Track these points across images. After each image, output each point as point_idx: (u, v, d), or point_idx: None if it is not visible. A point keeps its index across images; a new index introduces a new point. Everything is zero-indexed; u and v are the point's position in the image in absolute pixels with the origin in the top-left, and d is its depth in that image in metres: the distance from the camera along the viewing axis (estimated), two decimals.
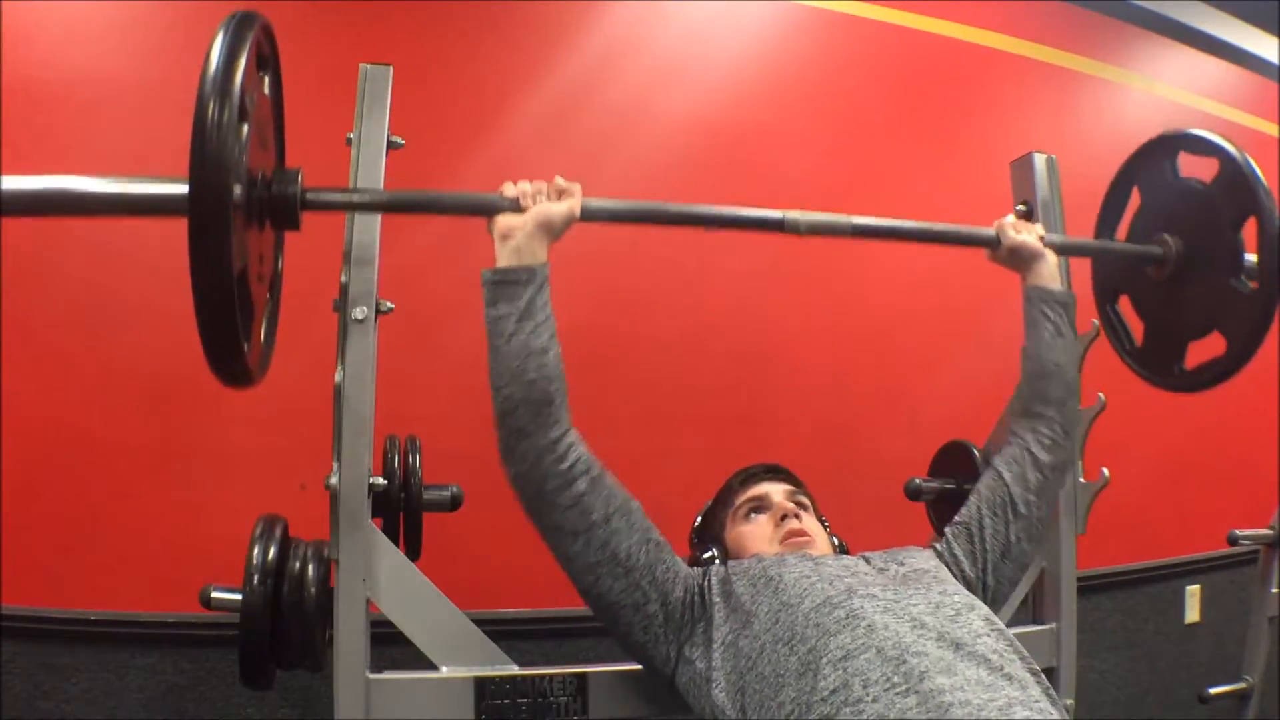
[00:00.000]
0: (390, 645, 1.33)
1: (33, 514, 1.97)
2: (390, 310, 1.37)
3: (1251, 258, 1.42)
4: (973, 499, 1.36)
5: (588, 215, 1.24)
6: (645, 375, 2.43)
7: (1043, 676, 1.02)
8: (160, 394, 2.00)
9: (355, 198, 1.29)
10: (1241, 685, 2.31)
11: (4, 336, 1.99)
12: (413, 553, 1.43)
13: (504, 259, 1.17)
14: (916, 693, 0.92)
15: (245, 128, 0.96)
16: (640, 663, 1.22)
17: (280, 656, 1.33)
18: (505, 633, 1.43)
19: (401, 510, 1.43)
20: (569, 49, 2.49)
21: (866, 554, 1.28)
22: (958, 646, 0.99)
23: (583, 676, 1.33)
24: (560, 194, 1.21)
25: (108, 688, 2.00)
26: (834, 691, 0.95)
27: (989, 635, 1.03)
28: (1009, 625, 1.56)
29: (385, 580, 1.32)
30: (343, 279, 1.35)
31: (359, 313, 1.33)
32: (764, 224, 1.34)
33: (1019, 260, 1.44)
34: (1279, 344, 1.43)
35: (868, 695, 0.93)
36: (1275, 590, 2.31)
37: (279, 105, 1.27)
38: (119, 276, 2.09)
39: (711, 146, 2.58)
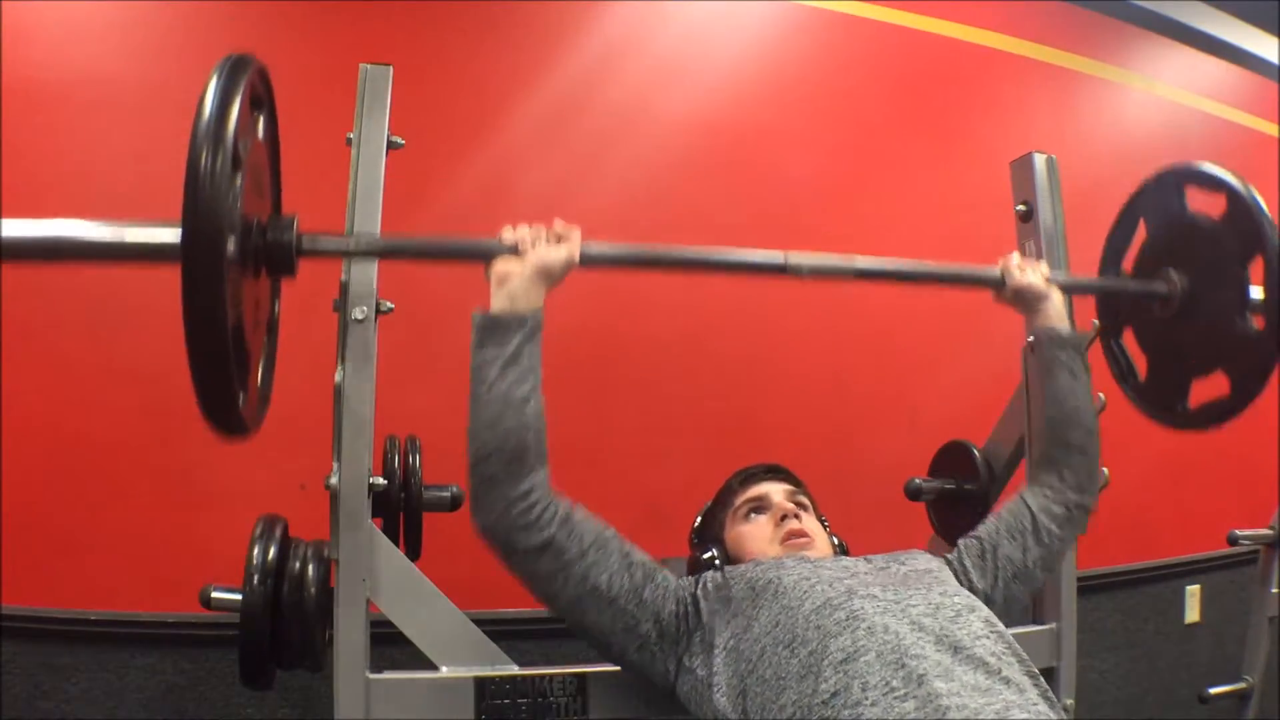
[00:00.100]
0: (390, 645, 1.33)
1: (33, 514, 1.97)
2: (390, 310, 1.37)
3: (1258, 295, 1.39)
4: (992, 520, 1.36)
5: (587, 261, 1.22)
6: (645, 375, 2.43)
7: (1041, 679, 1.02)
8: (160, 394, 1.99)
9: (351, 244, 1.27)
10: (1241, 685, 2.31)
11: (4, 337, 1.99)
12: (413, 553, 1.43)
13: (498, 303, 1.15)
14: (915, 697, 0.92)
15: (239, 176, 0.95)
16: (640, 679, 1.22)
17: (280, 656, 1.33)
18: (505, 633, 1.43)
19: (401, 510, 1.43)
20: (569, 49, 2.49)
21: (867, 556, 1.27)
22: (956, 650, 0.99)
23: (583, 676, 1.33)
24: (559, 239, 1.20)
25: (108, 688, 2.00)
26: (835, 694, 0.95)
27: (988, 638, 1.03)
28: (1010, 625, 1.57)
29: (385, 580, 1.32)
30: (343, 279, 1.35)
31: (359, 313, 1.33)
32: (765, 268, 1.32)
33: (1024, 301, 1.42)
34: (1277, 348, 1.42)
35: (867, 699, 0.93)
36: (1275, 590, 2.30)
37: (275, 147, 1.26)
38: (119, 276, 2.09)
39: (711, 146, 2.58)
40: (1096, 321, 1.68)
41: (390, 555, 1.34)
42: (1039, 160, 1.74)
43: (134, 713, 2.01)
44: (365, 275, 1.35)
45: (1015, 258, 1.43)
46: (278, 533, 1.35)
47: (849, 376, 2.63)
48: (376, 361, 1.34)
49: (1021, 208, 1.75)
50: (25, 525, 1.95)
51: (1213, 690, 2.29)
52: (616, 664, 1.23)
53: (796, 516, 1.34)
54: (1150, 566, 2.96)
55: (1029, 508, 1.34)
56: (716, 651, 1.12)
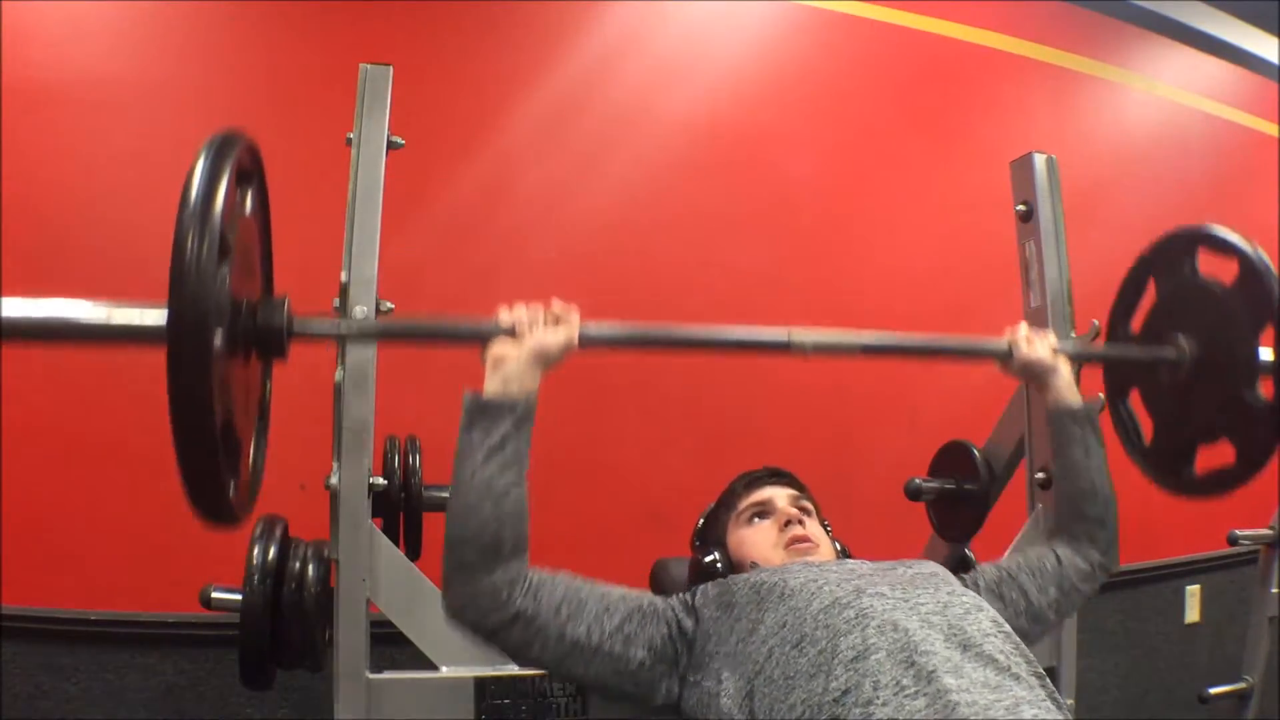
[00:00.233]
0: (390, 645, 1.33)
1: (33, 514, 1.97)
2: (390, 310, 1.37)
3: (1268, 358, 1.38)
4: (1016, 555, 1.36)
5: (586, 343, 1.18)
6: (645, 374, 2.42)
7: (1048, 680, 1.02)
8: (160, 394, 1.99)
9: (344, 328, 1.25)
10: (1241, 685, 2.31)
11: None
12: (413, 553, 1.43)
13: (491, 386, 1.12)
14: (925, 694, 0.92)
15: (226, 262, 0.93)
16: (642, 705, 1.21)
17: (280, 656, 1.33)
18: None
19: (401, 510, 1.43)
20: (569, 49, 2.49)
21: (870, 561, 1.27)
22: (965, 647, 0.99)
23: None
24: (557, 321, 1.16)
25: (108, 688, 2.00)
26: (845, 692, 0.95)
27: (996, 636, 1.03)
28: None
29: (385, 580, 1.32)
30: (343, 279, 1.35)
31: (359, 313, 1.33)
32: (769, 345, 1.29)
33: (1032, 375, 1.40)
34: (1277, 349, 1.42)
35: (878, 698, 0.93)
36: (1275, 590, 2.30)
37: (265, 221, 1.23)
38: (119, 276, 2.09)
39: (711, 146, 2.58)
40: (1096, 323, 1.67)
41: (390, 555, 1.34)
42: (1039, 160, 1.73)
43: (134, 713, 2.01)
44: (365, 275, 1.35)
45: (1023, 329, 1.41)
46: (278, 533, 1.35)
47: (849, 377, 2.62)
48: (376, 361, 1.34)
49: (1021, 208, 1.75)
50: (25, 525, 1.95)
51: (1213, 690, 2.29)
52: (622, 702, 1.21)
53: (800, 522, 1.34)
54: (1150, 566, 2.96)
55: (1055, 553, 1.34)
56: (719, 658, 1.11)
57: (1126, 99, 3.29)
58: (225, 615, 1.31)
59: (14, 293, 2.00)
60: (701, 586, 1.23)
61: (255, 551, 1.30)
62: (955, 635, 1.01)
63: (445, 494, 1.41)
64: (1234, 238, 1.43)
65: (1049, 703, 0.97)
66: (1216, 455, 1.45)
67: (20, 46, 2.08)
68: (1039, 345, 1.39)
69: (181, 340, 0.85)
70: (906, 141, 2.81)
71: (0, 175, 2.03)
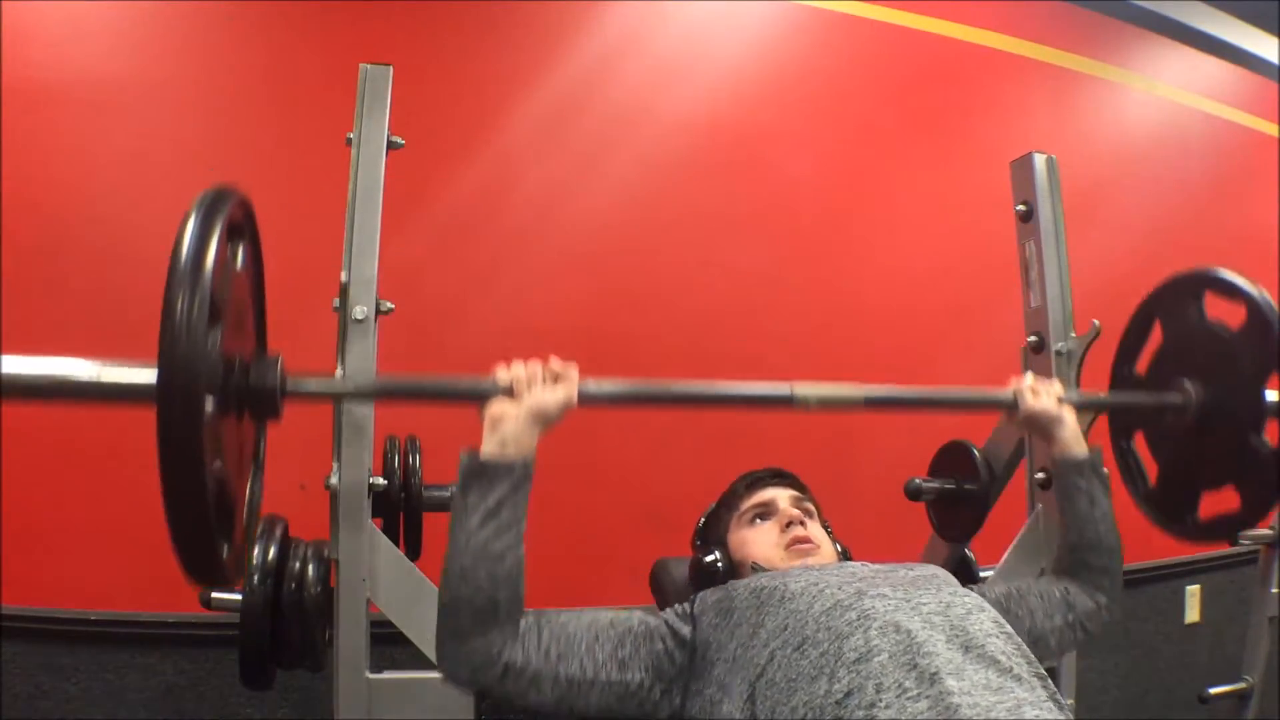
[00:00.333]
0: (390, 645, 1.33)
1: (33, 514, 1.97)
2: (390, 310, 1.37)
3: (1273, 398, 1.37)
4: (1028, 580, 1.36)
5: (585, 401, 1.16)
6: (645, 373, 2.42)
7: (1049, 681, 1.02)
8: None
9: (339, 386, 1.23)
10: (1241, 685, 2.31)
11: (4, 336, 1.99)
12: (413, 553, 1.43)
13: (488, 448, 1.10)
14: (928, 697, 0.92)
15: (218, 324, 0.92)
16: None
17: (280, 656, 1.33)
18: None
19: (401, 510, 1.43)
20: (569, 49, 2.49)
21: (870, 563, 1.27)
22: (967, 648, 0.99)
23: None
24: (556, 378, 1.15)
25: (108, 688, 2.00)
26: (848, 694, 0.95)
27: (998, 637, 1.03)
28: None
29: (385, 580, 1.32)
30: (343, 279, 1.35)
31: (359, 313, 1.33)
32: (771, 400, 1.28)
33: (1037, 427, 1.39)
34: (1278, 350, 1.42)
35: (881, 700, 0.93)
36: (1275, 590, 2.31)
37: (258, 275, 1.22)
38: (119, 276, 2.09)
39: (711, 146, 2.58)
40: (1096, 323, 1.67)
41: (390, 555, 1.34)
42: (1039, 160, 1.73)
43: (134, 713, 2.01)
44: (365, 275, 1.35)
45: (1028, 379, 1.39)
46: (278, 533, 1.35)
47: (849, 377, 2.61)
48: (376, 361, 1.34)
49: (1021, 208, 1.75)
50: (25, 525, 1.95)
51: (1213, 690, 2.29)
52: None
53: (802, 523, 1.34)
54: (1150, 566, 2.96)
55: (1065, 586, 1.33)
56: (720, 665, 1.11)
57: (1126, 99, 3.29)
58: (225, 615, 1.31)
59: (15, 294, 2.01)
60: (700, 594, 1.23)
61: (255, 551, 1.30)
62: (957, 636, 1.01)
63: (445, 494, 1.42)
64: (1241, 282, 1.43)
65: (1050, 704, 0.97)
66: (1221, 500, 1.44)
67: (20, 46, 2.08)
68: (1044, 396, 1.37)
69: (171, 406, 0.83)
70: (906, 141, 2.81)
71: (0, 175, 2.03)
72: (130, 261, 2.09)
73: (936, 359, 2.70)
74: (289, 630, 1.31)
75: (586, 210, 2.46)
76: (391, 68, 1.42)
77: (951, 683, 0.93)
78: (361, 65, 1.42)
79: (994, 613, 1.10)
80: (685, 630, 1.17)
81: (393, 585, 1.32)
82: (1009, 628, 1.08)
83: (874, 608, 1.04)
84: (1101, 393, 1.57)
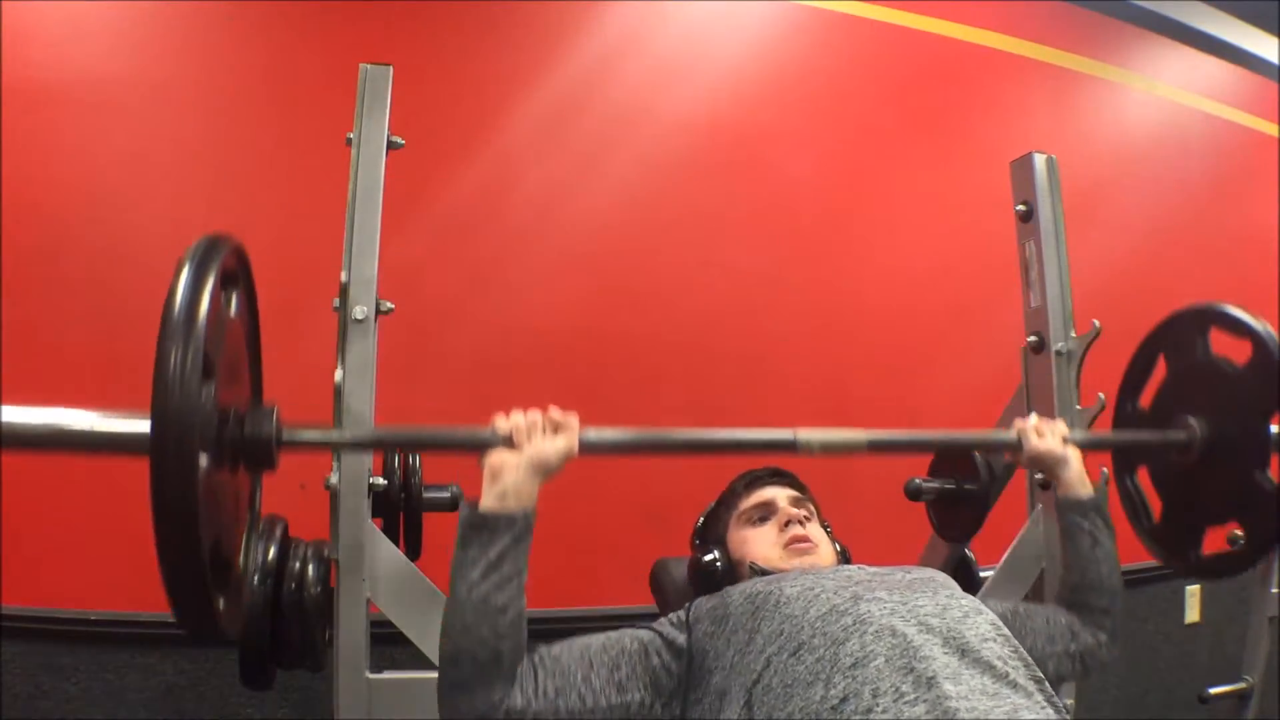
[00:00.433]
0: (390, 645, 1.33)
1: (33, 514, 1.97)
2: (390, 310, 1.37)
3: (1279, 436, 1.36)
4: (1034, 604, 1.35)
5: (586, 450, 1.15)
6: (645, 374, 2.43)
7: (1046, 684, 1.02)
8: None
9: (336, 436, 1.22)
10: (1241, 685, 2.31)
11: (4, 336, 1.99)
12: (413, 553, 1.43)
13: (488, 500, 1.09)
14: (924, 701, 0.92)
15: (212, 378, 0.91)
16: None
17: (280, 656, 1.33)
18: None
19: (401, 510, 1.43)
20: (569, 49, 2.49)
21: (867, 566, 1.27)
22: (964, 652, 0.99)
23: None
24: (556, 428, 1.14)
25: (108, 688, 2.00)
26: (844, 700, 0.95)
27: (995, 641, 1.03)
28: None
29: (385, 580, 1.32)
30: (343, 279, 1.35)
31: (359, 313, 1.33)
32: (774, 446, 1.28)
33: (1042, 468, 1.39)
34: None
35: (878, 705, 0.93)
36: (1275, 590, 2.30)
37: (253, 323, 1.21)
38: (119, 276, 2.09)
39: (711, 146, 2.58)
40: (1096, 323, 1.67)
41: (390, 555, 1.34)
42: (1039, 160, 1.73)
43: (134, 713, 2.01)
44: (365, 275, 1.35)
45: (1032, 419, 1.38)
46: (278, 533, 1.35)
47: (849, 376, 2.63)
48: (376, 361, 1.34)
49: (1021, 208, 1.75)
50: (25, 525, 1.95)
51: (1213, 690, 2.28)
52: None
53: (801, 523, 1.34)
54: (1150, 566, 2.93)
55: (1070, 618, 1.33)
56: (718, 673, 1.11)
57: (1126, 99, 3.29)
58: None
59: (15, 294, 2.01)
60: (696, 601, 1.23)
61: (255, 551, 1.30)
62: (954, 640, 1.01)
63: (445, 494, 1.42)
64: (1247, 318, 1.41)
65: (1048, 708, 0.97)
66: (1224, 536, 1.43)
67: (20, 46, 2.08)
68: (1050, 436, 1.36)
69: (165, 462, 0.83)
70: (906, 141, 2.81)
71: (0, 175, 2.03)
72: (130, 262, 2.10)
73: (937, 359, 2.70)
74: (289, 630, 1.31)
75: (586, 210, 2.46)
76: (391, 68, 1.42)
77: (948, 687, 0.93)
78: (361, 65, 1.42)
79: (991, 615, 1.09)
80: (680, 638, 1.17)
81: (393, 585, 1.32)
82: (1006, 631, 1.07)
83: (870, 612, 1.04)
84: (1106, 431, 1.56)
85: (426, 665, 1.33)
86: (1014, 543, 1.67)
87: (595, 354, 2.39)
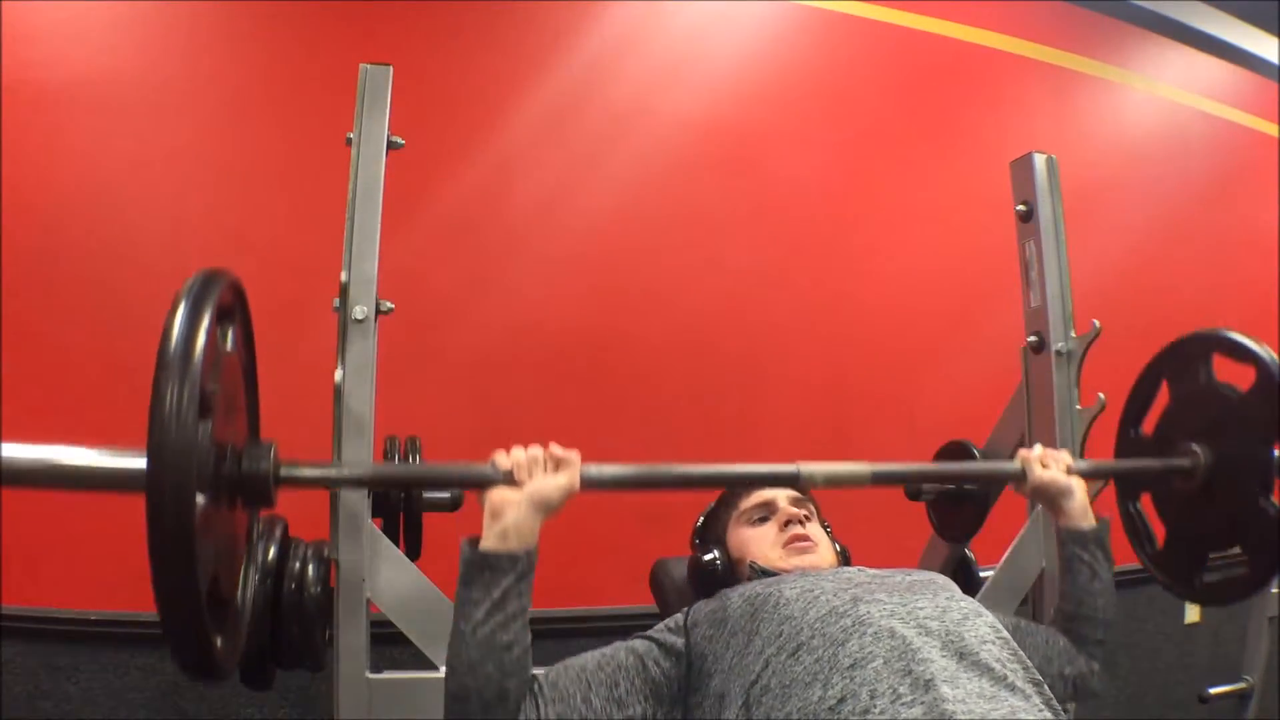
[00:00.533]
0: (390, 645, 1.33)
1: (33, 514, 1.97)
2: (390, 310, 1.37)
3: None
4: (1035, 623, 1.34)
5: (588, 486, 1.13)
6: (646, 374, 2.43)
7: (1045, 687, 1.02)
8: None
9: (335, 473, 1.20)
10: (1241, 685, 2.31)
11: (4, 336, 1.99)
12: (413, 553, 1.43)
13: (489, 540, 1.07)
14: (922, 703, 0.92)
15: (208, 417, 0.89)
16: None
17: (280, 656, 1.33)
18: None
19: (401, 510, 1.43)
20: (569, 49, 2.49)
21: (865, 568, 1.27)
22: (962, 655, 0.99)
23: None
24: (557, 464, 1.12)
25: (108, 688, 2.00)
26: (842, 700, 0.95)
27: (994, 643, 1.03)
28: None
29: (385, 580, 1.32)
30: (343, 279, 1.35)
31: (359, 313, 1.33)
32: (777, 479, 1.28)
33: (1045, 499, 1.37)
34: (1278, 343, 1.42)
35: (875, 706, 0.93)
36: (1275, 590, 2.30)
37: (250, 359, 1.20)
38: (119, 276, 2.09)
39: (711, 146, 2.58)
40: (1096, 323, 1.67)
41: (390, 555, 1.34)
42: (1039, 160, 1.73)
43: (134, 713, 2.01)
44: (365, 275, 1.35)
45: (1037, 450, 1.37)
46: (278, 533, 1.35)
47: (849, 376, 2.63)
48: (376, 361, 1.34)
49: (1021, 208, 1.75)
50: (25, 525, 1.95)
51: (1213, 690, 2.29)
52: None
53: (801, 523, 1.34)
54: None
55: (1065, 641, 1.32)
56: (717, 675, 1.11)
57: (1126, 99, 3.29)
58: None
59: (15, 294, 2.01)
60: (694, 605, 1.23)
61: (255, 551, 1.30)
62: (952, 643, 1.01)
63: (445, 494, 1.42)
64: (1251, 344, 1.41)
65: (1045, 710, 0.97)
66: (1228, 562, 1.43)
67: (20, 46, 2.08)
68: (1054, 466, 1.35)
69: (162, 503, 0.82)
70: (907, 141, 2.81)
71: (0, 175, 2.03)
72: (130, 262, 2.10)
73: (936, 358, 2.70)
74: (289, 630, 1.30)
75: (586, 210, 2.46)
76: (391, 68, 1.42)
77: (946, 690, 0.93)
78: (361, 65, 1.42)
79: (991, 618, 1.09)
80: (677, 642, 1.17)
81: (393, 585, 1.32)
82: (1005, 633, 1.07)
83: (869, 614, 1.04)
84: (1109, 460, 1.56)
85: (426, 665, 1.33)
86: (1014, 543, 1.67)
87: (595, 354, 2.39)
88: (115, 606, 2.00)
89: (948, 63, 2.93)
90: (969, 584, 1.85)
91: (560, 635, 2.15)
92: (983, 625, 1.06)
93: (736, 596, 1.18)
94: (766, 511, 1.37)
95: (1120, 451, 1.58)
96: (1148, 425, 1.56)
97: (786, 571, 1.28)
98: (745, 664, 1.07)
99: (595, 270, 2.42)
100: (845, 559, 1.40)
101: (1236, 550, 1.40)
